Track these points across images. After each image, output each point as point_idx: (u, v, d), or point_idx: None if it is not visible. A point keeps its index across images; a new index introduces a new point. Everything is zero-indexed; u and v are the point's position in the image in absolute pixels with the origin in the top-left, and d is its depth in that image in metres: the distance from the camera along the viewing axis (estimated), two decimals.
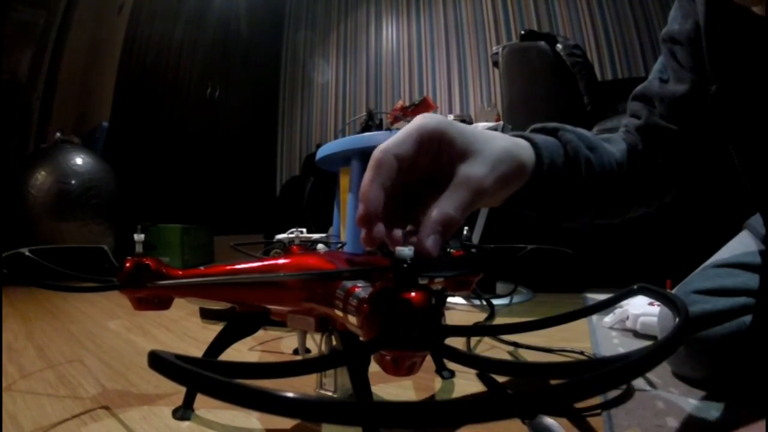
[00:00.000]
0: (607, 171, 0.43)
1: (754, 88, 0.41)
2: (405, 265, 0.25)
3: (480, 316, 1.05)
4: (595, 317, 0.93)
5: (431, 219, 0.28)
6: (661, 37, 0.51)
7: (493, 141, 0.33)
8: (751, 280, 0.51)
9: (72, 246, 1.56)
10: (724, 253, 0.60)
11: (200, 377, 0.14)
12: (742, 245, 0.59)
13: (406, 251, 0.25)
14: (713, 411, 0.48)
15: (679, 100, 0.46)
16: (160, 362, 0.15)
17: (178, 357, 0.16)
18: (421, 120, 0.31)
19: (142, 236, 0.49)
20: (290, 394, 0.12)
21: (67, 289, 0.49)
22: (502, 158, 0.32)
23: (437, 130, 0.31)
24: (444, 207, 0.29)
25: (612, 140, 0.48)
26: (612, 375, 0.14)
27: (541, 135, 0.40)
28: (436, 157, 0.32)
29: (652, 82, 0.50)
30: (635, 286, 0.28)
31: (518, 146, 0.36)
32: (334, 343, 0.44)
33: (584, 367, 0.23)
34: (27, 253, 0.51)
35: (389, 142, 0.31)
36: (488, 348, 0.78)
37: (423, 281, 0.25)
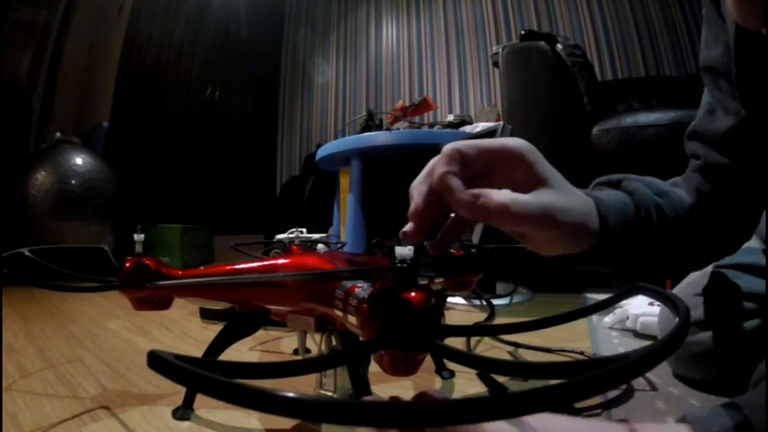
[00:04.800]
0: (681, 217, 0.42)
1: None
2: (404, 265, 0.25)
3: (480, 316, 1.05)
4: (595, 317, 0.92)
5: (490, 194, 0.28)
6: (700, 66, 0.48)
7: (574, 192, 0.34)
8: (752, 282, 0.51)
9: (72, 246, 1.56)
10: None
11: (200, 377, 0.14)
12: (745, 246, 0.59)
13: (406, 251, 0.25)
14: None
15: (728, 132, 0.44)
16: (159, 362, 0.15)
17: (178, 357, 0.16)
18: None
19: (142, 236, 0.49)
20: (290, 394, 0.12)
21: (67, 289, 0.49)
22: (577, 210, 0.33)
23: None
24: (505, 195, 0.28)
25: (678, 183, 0.47)
26: (612, 375, 0.14)
27: (606, 189, 0.40)
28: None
29: (702, 118, 0.49)
30: (635, 286, 0.28)
31: (588, 207, 0.35)
32: (334, 343, 0.44)
33: (584, 367, 0.23)
34: (27, 253, 0.51)
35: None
36: (488, 348, 0.78)
37: (423, 281, 0.25)
